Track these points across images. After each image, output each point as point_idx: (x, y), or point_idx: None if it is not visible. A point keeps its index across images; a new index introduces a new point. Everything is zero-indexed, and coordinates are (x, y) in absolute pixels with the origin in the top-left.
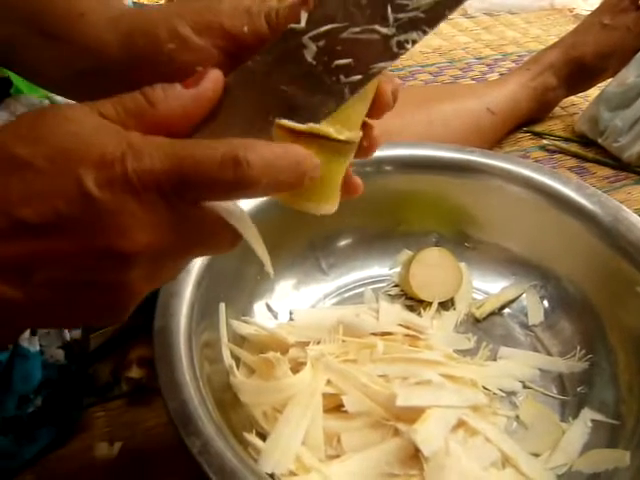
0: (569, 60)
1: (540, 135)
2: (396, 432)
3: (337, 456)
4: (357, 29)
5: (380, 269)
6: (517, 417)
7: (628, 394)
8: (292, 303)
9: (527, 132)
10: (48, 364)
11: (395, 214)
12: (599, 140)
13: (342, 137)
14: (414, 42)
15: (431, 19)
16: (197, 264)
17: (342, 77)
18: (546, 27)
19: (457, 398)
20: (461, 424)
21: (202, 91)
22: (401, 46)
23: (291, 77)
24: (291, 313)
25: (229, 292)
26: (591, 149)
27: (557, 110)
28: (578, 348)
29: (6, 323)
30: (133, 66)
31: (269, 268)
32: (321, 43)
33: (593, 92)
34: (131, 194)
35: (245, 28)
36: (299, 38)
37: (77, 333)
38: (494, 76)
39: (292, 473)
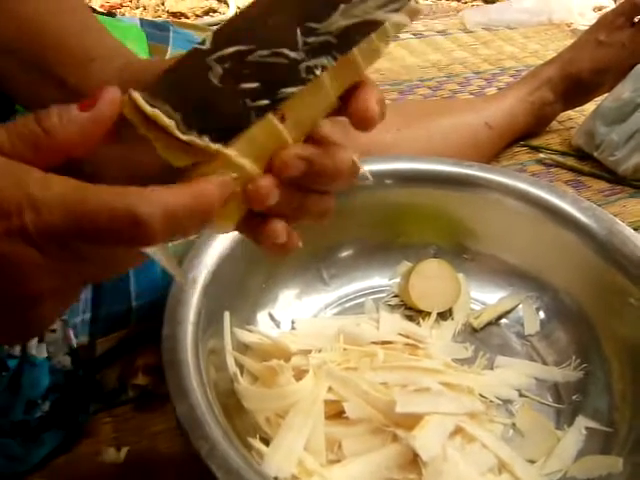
0: (566, 76)
1: (537, 149)
2: (395, 438)
3: (338, 461)
4: (265, 52)
5: (380, 280)
6: (513, 424)
7: (621, 402)
8: (294, 312)
9: (524, 146)
10: (55, 370)
11: (395, 226)
12: (595, 154)
13: (243, 163)
14: (324, 68)
15: (342, 44)
16: (203, 274)
17: (248, 101)
18: (544, 42)
19: (455, 405)
20: (459, 431)
21: (98, 113)
22: (310, 71)
23: (195, 99)
24: (293, 322)
25: (234, 301)
26: (587, 163)
27: (554, 124)
28: (573, 358)
29: None
30: None
31: (180, 279)
32: (227, 65)
33: (589, 107)
34: (30, 245)
35: None
36: (204, 59)
37: (84, 340)
38: (492, 90)
39: (294, 477)
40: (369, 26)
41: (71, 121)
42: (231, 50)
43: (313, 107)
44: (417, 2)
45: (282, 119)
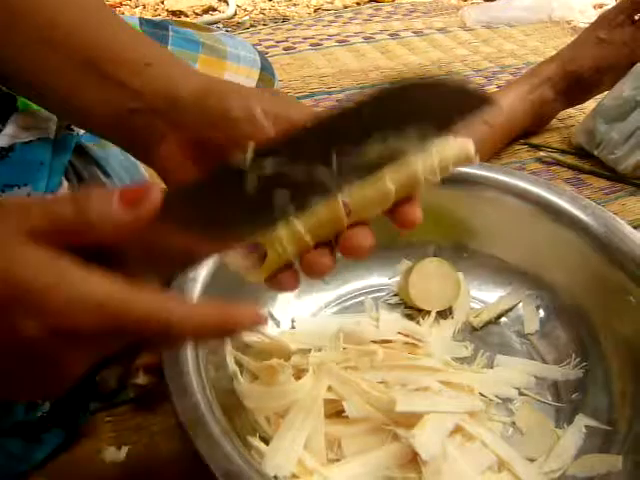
0: (566, 74)
1: (537, 147)
2: (395, 437)
3: (338, 460)
4: (300, 166)
5: (380, 279)
6: (513, 423)
7: (621, 401)
8: (294, 311)
9: (524, 144)
10: None
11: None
12: (595, 152)
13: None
14: (351, 184)
15: (371, 168)
16: (203, 274)
17: (277, 204)
18: (544, 39)
19: (455, 404)
20: (458, 429)
21: (138, 214)
22: (340, 188)
23: (229, 206)
24: (293, 321)
25: (233, 301)
26: (587, 161)
27: (554, 122)
28: (573, 356)
29: None
30: (201, 118)
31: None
32: (265, 171)
33: (589, 105)
34: (67, 342)
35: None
36: (244, 166)
37: None
38: (492, 88)
39: (294, 476)
40: (397, 155)
41: (111, 218)
42: (271, 160)
43: (374, 206)
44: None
45: (346, 206)
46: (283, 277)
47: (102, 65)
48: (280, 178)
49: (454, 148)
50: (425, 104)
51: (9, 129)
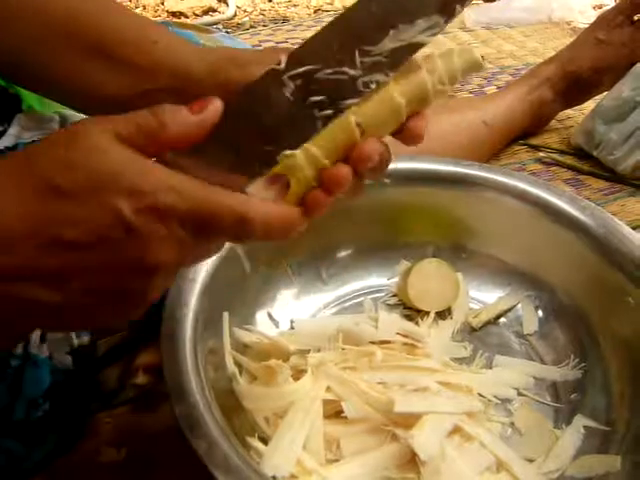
0: (565, 74)
1: (536, 148)
2: (394, 437)
3: (337, 460)
4: (329, 70)
5: (379, 279)
6: (512, 423)
7: (619, 401)
8: (293, 312)
9: (524, 145)
10: (56, 370)
11: (394, 226)
12: (594, 153)
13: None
14: (377, 82)
15: (393, 63)
16: (202, 275)
17: (316, 111)
18: (543, 40)
19: (453, 405)
20: (457, 430)
21: (205, 118)
22: (367, 85)
23: (272, 110)
24: (292, 322)
25: (232, 301)
26: (586, 162)
27: (553, 123)
28: (571, 357)
29: (38, 321)
30: (220, 91)
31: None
32: (298, 82)
33: (589, 105)
34: (159, 220)
35: None
36: (279, 77)
37: (85, 339)
38: (492, 89)
39: (293, 476)
40: (413, 48)
41: (182, 120)
42: (302, 69)
43: (387, 123)
44: (482, 59)
45: (359, 126)
46: (310, 198)
47: (109, 47)
48: (313, 85)
49: (460, 56)
50: None
51: (13, 129)
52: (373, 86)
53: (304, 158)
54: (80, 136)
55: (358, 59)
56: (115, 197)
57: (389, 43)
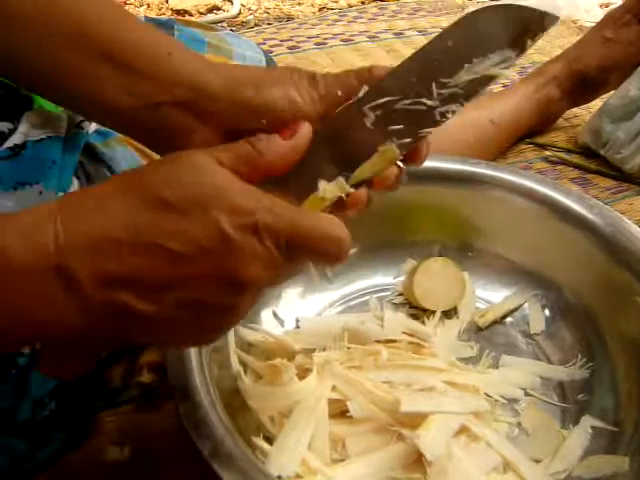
0: (572, 73)
1: (543, 146)
2: (400, 437)
3: (342, 460)
4: (408, 101)
5: (385, 278)
6: (519, 424)
7: (627, 401)
8: (298, 311)
9: (530, 143)
10: None
11: (400, 224)
12: (601, 152)
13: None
14: (453, 112)
15: (467, 94)
16: None
17: (395, 139)
18: (550, 39)
19: (460, 404)
20: (463, 430)
21: (298, 143)
22: (443, 115)
23: (353, 139)
24: (297, 321)
25: None
26: (593, 160)
27: (560, 122)
28: (579, 356)
29: (129, 332)
30: (235, 108)
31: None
32: (379, 112)
33: (596, 104)
34: (256, 239)
35: (339, 92)
36: (361, 108)
37: None
38: (498, 88)
39: (298, 476)
40: (487, 80)
41: (277, 146)
42: (383, 100)
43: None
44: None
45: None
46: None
47: (121, 57)
48: (393, 115)
49: None
50: (498, 27)
51: (22, 127)
52: (450, 116)
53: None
54: (185, 158)
55: (435, 90)
56: (217, 213)
57: (464, 75)
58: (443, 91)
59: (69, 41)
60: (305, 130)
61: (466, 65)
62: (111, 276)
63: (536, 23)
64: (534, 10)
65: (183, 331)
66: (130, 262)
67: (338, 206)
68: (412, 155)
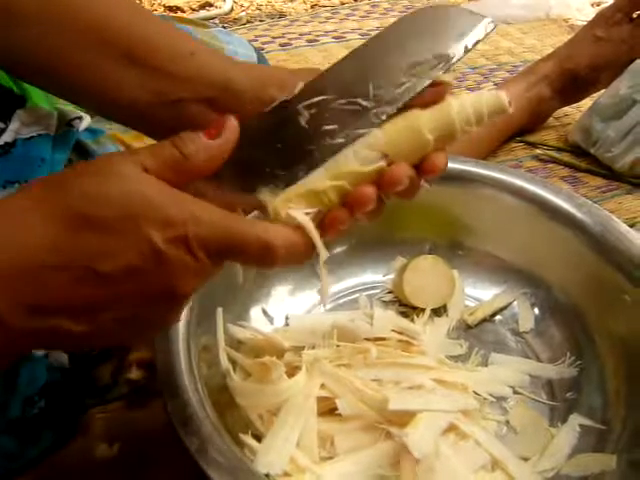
0: (563, 72)
1: (534, 145)
2: (388, 435)
3: (330, 458)
4: (343, 101)
5: (374, 276)
6: (507, 422)
7: (615, 400)
8: (288, 308)
9: (521, 142)
10: (52, 367)
11: (390, 222)
12: (592, 150)
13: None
14: (388, 114)
15: (404, 96)
16: None
17: (328, 139)
18: (541, 37)
19: (448, 402)
20: (452, 428)
21: (225, 141)
22: (378, 117)
23: (286, 137)
24: (287, 318)
25: (226, 297)
26: (584, 159)
27: (551, 120)
28: (567, 354)
29: (62, 346)
30: (259, 107)
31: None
32: (313, 111)
33: (586, 103)
34: (188, 251)
35: None
36: (295, 106)
37: None
38: (489, 86)
39: (286, 474)
40: (424, 83)
41: (203, 149)
42: (317, 99)
43: (413, 156)
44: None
45: (386, 157)
46: (329, 217)
47: (141, 56)
48: (327, 114)
49: (488, 99)
50: (438, 29)
51: (13, 125)
52: (384, 117)
53: (331, 187)
54: (108, 168)
55: (372, 91)
56: (147, 228)
57: (402, 77)
58: (380, 92)
59: (84, 38)
60: (232, 127)
61: (404, 66)
62: (35, 306)
63: (476, 27)
64: (474, 14)
65: (118, 338)
66: (56, 288)
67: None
68: (425, 166)
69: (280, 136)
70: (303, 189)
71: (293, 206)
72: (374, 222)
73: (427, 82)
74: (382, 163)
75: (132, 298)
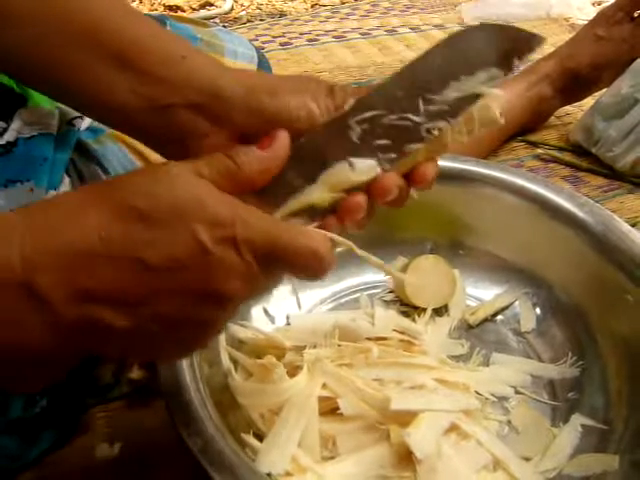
0: (564, 71)
1: (535, 144)
2: (390, 435)
3: (332, 458)
4: (394, 117)
5: (375, 275)
6: (509, 422)
7: (617, 400)
8: (289, 308)
9: (522, 141)
10: None
11: (391, 222)
12: (593, 150)
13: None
14: (440, 129)
15: (454, 111)
16: None
17: (380, 154)
18: None
19: (450, 402)
20: (454, 428)
21: (276, 153)
22: (429, 132)
23: (338, 152)
24: (288, 318)
25: None
26: (585, 158)
27: (552, 120)
28: (569, 354)
29: (103, 349)
30: (252, 116)
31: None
32: (365, 126)
33: (587, 102)
34: (235, 252)
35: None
36: (347, 121)
37: None
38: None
39: (288, 473)
40: (473, 97)
41: (256, 160)
42: (369, 114)
43: (403, 165)
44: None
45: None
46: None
47: (133, 59)
48: (379, 130)
49: (479, 111)
50: (486, 47)
51: (14, 124)
52: (436, 132)
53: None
54: (163, 168)
55: (422, 107)
56: (196, 225)
57: (451, 93)
58: (430, 107)
59: (77, 40)
60: (283, 140)
61: (453, 82)
62: (84, 292)
63: (524, 43)
64: (522, 30)
65: (160, 345)
66: (104, 276)
67: (334, 214)
68: (415, 176)
69: (332, 151)
70: (304, 203)
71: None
72: (375, 222)
73: (477, 97)
74: (378, 170)
75: (173, 293)
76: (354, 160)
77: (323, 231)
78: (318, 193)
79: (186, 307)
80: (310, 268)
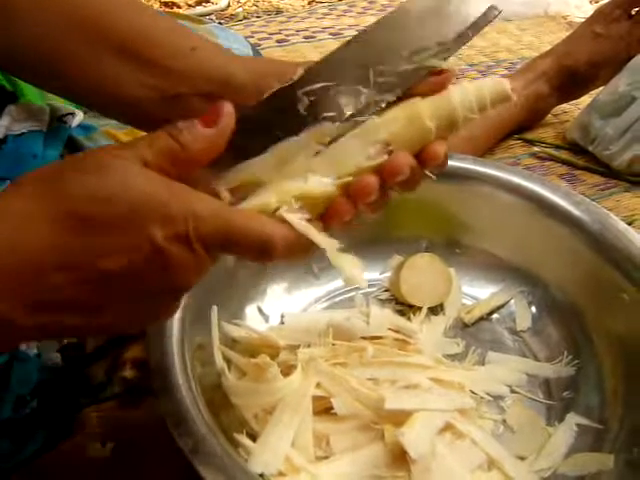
0: (561, 69)
1: (531, 142)
2: (384, 435)
3: (326, 457)
4: (343, 88)
5: (371, 274)
6: (504, 421)
7: (613, 399)
8: (283, 306)
9: (519, 139)
10: (45, 367)
11: (386, 220)
12: (590, 148)
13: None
14: (388, 102)
15: (404, 83)
16: None
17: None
18: (539, 34)
19: (445, 402)
20: (448, 427)
21: (222, 129)
22: (377, 104)
23: (285, 124)
24: (282, 316)
25: (221, 295)
26: (582, 157)
27: (549, 118)
28: (565, 353)
29: (64, 334)
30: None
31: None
32: (312, 98)
33: (584, 100)
34: (188, 248)
35: None
36: (295, 92)
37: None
38: None
39: (281, 473)
40: (425, 69)
41: (200, 137)
42: (317, 86)
43: (414, 145)
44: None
45: (387, 145)
46: (331, 208)
47: (141, 51)
48: (327, 101)
49: (490, 87)
50: (439, 17)
51: (4, 121)
52: (383, 105)
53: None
54: (107, 163)
55: (372, 79)
56: (149, 226)
57: (403, 64)
58: (380, 79)
59: (84, 33)
60: (228, 114)
61: (406, 53)
62: (41, 303)
63: (479, 13)
64: (476, 2)
65: (117, 329)
66: (61, 287)
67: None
68: (426, 155)
69: (279, 123)
70: (305, 190)
71: (288, 208)
72: (370, 220)
73: (427, 69)
74: (386, 156)
75: (134, 294)
76: (358, 139)
77: (303, 223)
78: (320, 182)
79: (144, 303)
80: (261, 254)
